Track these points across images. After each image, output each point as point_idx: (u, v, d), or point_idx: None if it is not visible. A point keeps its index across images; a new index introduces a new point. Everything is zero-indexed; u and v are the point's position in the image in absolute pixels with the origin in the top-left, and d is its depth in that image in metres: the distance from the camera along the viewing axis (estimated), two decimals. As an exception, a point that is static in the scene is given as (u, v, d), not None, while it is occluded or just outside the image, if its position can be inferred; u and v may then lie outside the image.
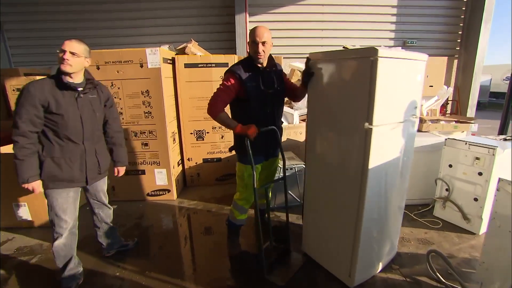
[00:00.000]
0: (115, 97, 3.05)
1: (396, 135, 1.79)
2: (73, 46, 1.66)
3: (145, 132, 3.13)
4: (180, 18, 5.75)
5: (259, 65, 1.99)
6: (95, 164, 1.90)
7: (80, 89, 1.75)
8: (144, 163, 3.21)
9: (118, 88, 3.03)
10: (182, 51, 3.56)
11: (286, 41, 5.78)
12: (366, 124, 1.53)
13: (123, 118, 3.09)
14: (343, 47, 4.58)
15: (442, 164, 2.77)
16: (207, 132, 3.52)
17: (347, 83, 1.68)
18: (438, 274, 1.98)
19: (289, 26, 5.76)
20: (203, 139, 3.54)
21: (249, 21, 5.62)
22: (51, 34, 5.78)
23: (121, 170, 2.18)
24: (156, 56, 2.94)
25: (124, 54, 2.97)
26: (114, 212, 2.28)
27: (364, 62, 1.50)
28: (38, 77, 4.07)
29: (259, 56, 1.93)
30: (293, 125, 3.82)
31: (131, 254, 2.36)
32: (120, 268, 2.18)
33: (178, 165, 3.51)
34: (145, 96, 3.04)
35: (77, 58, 1.68)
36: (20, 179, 1.65)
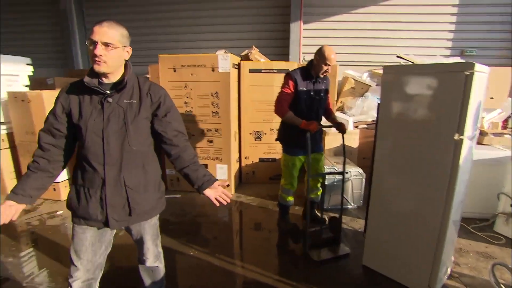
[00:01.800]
0: (186, 97, 3.41)
1: (467, 147, 1.86)
2: (106, 33, 1.15)
3: (211, 130, 3.44)
4: (237, 25, 6.10)
5: (315, 75, 2.37)
6: (121, 201, 1.30)
7: (108, 91, 1.23)
8: (208, 158, 3.52)
9: (191, 89, 3.37)
10: (245, 57, 3.84)
11: (339, 49, 5.84)
12: (457, 135, 1.63)
13: (192, 117, 3.42)
14: (397, 56, 4.60)
15: (508, 179, 2.71)
16: (265, 134, 3.76)
17: (433, 95, 1.76)
18: (502, 286, 1.99)
19: (342, 34, 5.84)
20: (260, 140, 3.78)
21: (303, 29, 5.81)
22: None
23: (219, 189, 1.37)
24: (227, 61, 3.24)
25: (198, 58, 3.30)
26: (179, 201, 2.51)
27: (457, 76, 1.60)
28: None
29: (321, 74, 2.34)
30: (348, 131, 3.93)
31: (201, 239, 2.65)
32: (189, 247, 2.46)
33: (237, 162, 3.78)
34: (214, 97, 3.35)
35: (113, 51, 1.17)
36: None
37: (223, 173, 3.53)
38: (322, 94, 2.46)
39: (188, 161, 1.38)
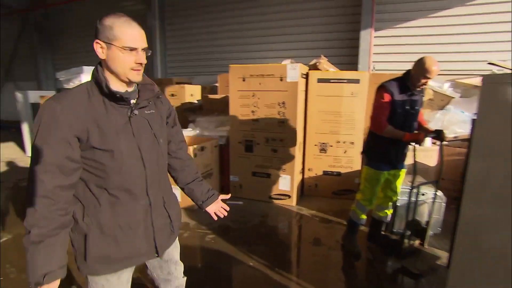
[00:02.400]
0: (254, 106, 3.46)
1: None
2: (144, 36, 1.01)
3: (275, 140, 3.43)
4: (304, 34, 6.08)
5: (412, 88, 2.19)
6: (165, 221, 1.20)
7: (132, 101, 1.05)
8: (271, 167, 3.50)
9: (258, 98, 3.41)
10: (314, 67, 3.77)
11: (414, 57, 5.37)
12: None
13: (258, 126, 3.46)
14: (488, 63, 4.00)
15: None
16: (331, 146, 3.60)
17: None
18: None
19: (418, 41, 5.36)
20: (325, 152, 3.63)
21: (375, 36, 5.50)
22: (195, 50, 7.01)
23: (220, 203, 1.39)
24: (295, 71, 3.21)
25: (267, 68, 3.34)
26: (240, 208, 2.50)
27: None
28: (187, 87, 5.15)
29: (419, 88, 2.16)
30: (424, 148, 3.54)
31: (263, 249, 2.61)
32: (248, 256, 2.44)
33: (300, 173, 3.69)
34: (281, 107, 3.34)
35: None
36: (30, 277, 0.90)
37: (286, 184, 3.47)
38: (417, 107, 2.27)
39: (193, 176, 1.35)
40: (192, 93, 5.26)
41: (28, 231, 0.89)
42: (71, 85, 4.03)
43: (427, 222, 2.41)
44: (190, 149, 3.14)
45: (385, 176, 2.37)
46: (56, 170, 0.90)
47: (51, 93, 5.90)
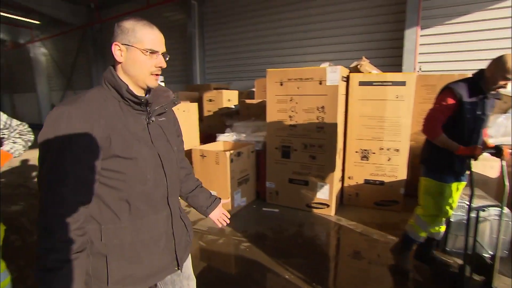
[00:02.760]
0: (291, 111, 3.37)
1: None
2: (164, 41, 0.98)
3: (314, 146, 3.30)
4: (344, 36, 5.87)
5: (485, 92, 1.90)
6: (183, 231, 1.15)
7: (148, 108, 1.01)
8: (309, 174, 3.38)
9: (296, 103, 3.32)
10: (355, 69, 3.58)
11: (467, 55, 4.91)
12: None
13: (296, 131, 3.36)
14: None
15: None
16: (373, 153, 3.38)
17: None
18: None
19: (471, 37, 4.87)
20: (367, 159, 3.41)
21: (421, 35, 5.11)
22: (232, 56, 7.12)
23: (221, 210, 1.37)
24: (336, 74, 3.07)
25: (305, 72, 3.24)
26: (276, 216, 2.40)
27: None
28: (224, 92, 5.22)
29: (497, 90, 1.88)
30: (482, 157, 3.16)
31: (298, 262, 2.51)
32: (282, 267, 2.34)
33: (339, 181, 3.51)
34: (319, 112, 3.21)
35: None
36: None
37: (324, 192, 3.32)
38: (488, 113, 2.00)
39: (195, 183, 1.33)
40: (229, 98, 5.32)
41: (41, 257, 0.77)
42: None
43: (493, 257, 1.95)
44: (227, 154, 3.14)
45: (450, 189, 2.07)
46: (77, 182, 0.81)
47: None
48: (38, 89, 12.38)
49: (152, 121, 1.01)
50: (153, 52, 0.93)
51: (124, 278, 0.95)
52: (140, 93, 0.99)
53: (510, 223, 2.47)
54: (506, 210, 2.47)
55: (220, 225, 1.36)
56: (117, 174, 0.90)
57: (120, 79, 0.94)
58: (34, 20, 10.57)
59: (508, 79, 1.78)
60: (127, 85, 0.93)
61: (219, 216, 1.35)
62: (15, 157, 1.67)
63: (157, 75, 0.97)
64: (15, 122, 1.71)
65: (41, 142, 0.82)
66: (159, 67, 0.96)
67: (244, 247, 2.67)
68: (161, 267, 1.05)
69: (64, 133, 0.80)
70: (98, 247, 0.92)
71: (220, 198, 1.38)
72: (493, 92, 1.91)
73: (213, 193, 1.42)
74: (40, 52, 12.36)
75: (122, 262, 0.94)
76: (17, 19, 10.32)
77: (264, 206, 3.63)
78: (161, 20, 8.00)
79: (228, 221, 1.38)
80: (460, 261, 2.40)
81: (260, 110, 4.53)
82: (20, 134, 1.71)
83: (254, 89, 5.86)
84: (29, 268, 2.39)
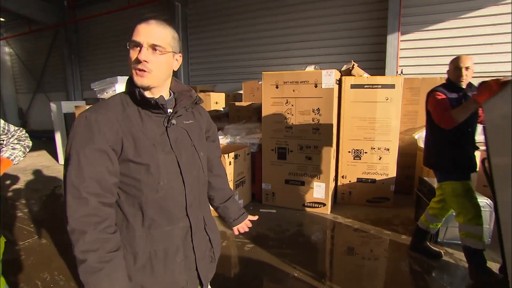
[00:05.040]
0: (287, 113, 3.45)
1: None
2: (155, 32, 0.86)
3: (310, 147, 3.39)
4: (328, 40, 6.07)
5: (461, 87, 2.13)
6: (207, 246, 1.06)
7: (169, 110, 0.96)
8: (305, 175, 3.46)
9: (292, 105, 3.40)
10: (346, 72, 3.72)
11: (444, 60, 5.26)
12: None
13: (292, 133, 3.44)
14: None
15: None
16: (365, 152, 3.53)
17: None
18: None
19: (447, 43, 5.23)
20: (360, 159, 3.56)
21: (401, 40, 5.41)
22: (216, 59, 7.10)
23: (247, 223, 1.33)
24: (331, 77, 3.18)
25: (301, 75, 3.33)
26: (274, 216, 2.43)
27: None
28: (212, 95, 5.23)
29: (461, 80, 2.09)
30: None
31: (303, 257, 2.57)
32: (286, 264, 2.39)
33: (333, 181, 3.63)
34: (315, 114, 3.30)
35: (162, 57, 0.87)
36: None
37: (320, 191, 3.41)
38: None
39: (229, 193, 1.28)
40: (217, 101, 5.31)
41: (82, 261, 0.77)
42: (105, 95, 4.15)
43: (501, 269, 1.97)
44: (226, 157, 3.14)
45: (471, 183, 2.11)
46: (97, 185, 0.81)
47: (82, 103, 6.10)
48: (1, 92, 11.53)
49: (173, 124, 0.93)
50: (135, 44, 0.85)
51: (134, 287, 0.90)
52: (158, 94, 0.92)
53: (492, 212, 2.65)
54: (487, 200, 2.67)
55: (236, 233, 1.32)
56: (130, 179, 0.87)
57: (127, 80, 0.93)
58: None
59: (460, 67, 2.07)
60: (139, 88, 0.87)
61: (241, 226, 1.31)
62: (15, 164, 1.59)
63: (140, 70, 0.85)
64: (12, 127, 1.62)
65: (66, 147, 0.85)
66: (136, 60, 0.84)
67: (249, 249, 2.69)
68: (178, 285, 0.95)
69: (83, 137, 0.81)
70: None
71: (247, 213, 1.34)
72: (468, 87, 2.14)
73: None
74: (5, 51, 11.60)
75: (133, 271, 0.89)
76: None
77: (260, 207, 3.66)
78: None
79: (247, 229, 1.33)
80: (451, 251, 2.59)
81: (249, 112, 4.57)
82: (19, 140, 1.62)
83: (241, 92, 5.89)
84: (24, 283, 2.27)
